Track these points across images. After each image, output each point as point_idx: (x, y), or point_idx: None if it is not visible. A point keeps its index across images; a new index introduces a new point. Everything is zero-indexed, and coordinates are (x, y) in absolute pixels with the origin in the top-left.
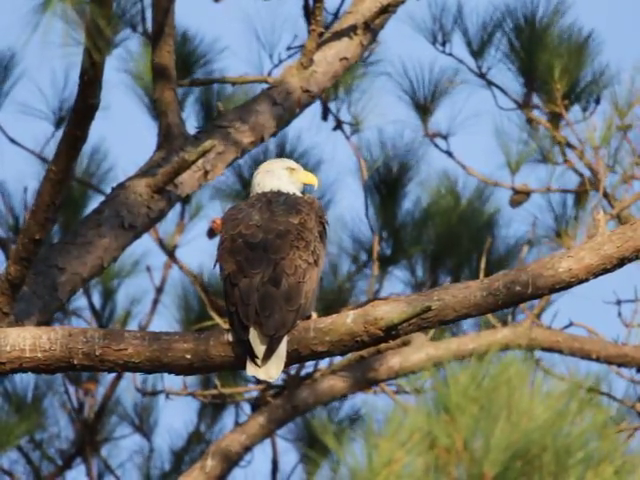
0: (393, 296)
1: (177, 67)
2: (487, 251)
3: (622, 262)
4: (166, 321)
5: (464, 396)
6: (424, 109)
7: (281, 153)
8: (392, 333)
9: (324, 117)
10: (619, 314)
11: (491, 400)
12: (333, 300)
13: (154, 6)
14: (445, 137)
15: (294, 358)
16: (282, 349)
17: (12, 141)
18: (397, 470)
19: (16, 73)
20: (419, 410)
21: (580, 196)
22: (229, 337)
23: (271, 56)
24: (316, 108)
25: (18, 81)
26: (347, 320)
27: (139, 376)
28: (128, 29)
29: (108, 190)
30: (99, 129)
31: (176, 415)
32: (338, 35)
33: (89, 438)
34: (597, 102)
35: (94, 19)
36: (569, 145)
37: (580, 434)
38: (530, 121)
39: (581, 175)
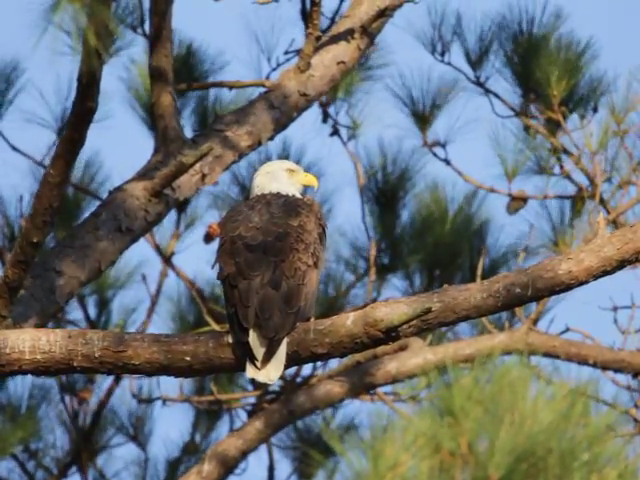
0: (393, 298)
1: (174, 71)
2: (483, 258)
3: (622, 264)
4: (161, 330)
5: (468, 399)
6: (423, 119)
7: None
8: (392, 335)
9: (324, 120)
10: (615, 321)
11: (495, 403)
12: (330, 309)
13: (152, 10)
14: (443, 145)
15: (294, 360)
16: (282, 351)
17: (14, 148)
18: (402, 473)
19: (20, 81)
20: (423, 414)
21: (576, 203)
22: (229, 339)
23: (269, 60)
24: (312, 113)
25: (21, 90)
26: (347, 322)
27: (135, 383)
28: (128, 33)
29: (103, 196)
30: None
31: (171, 424)
32: (335, 39)
33: (84, 447)
34: (595, 110)
35: (99, 18)
36: (566, 151)
37: (584, 437)
38: (527, 128)
39: (577, 185)
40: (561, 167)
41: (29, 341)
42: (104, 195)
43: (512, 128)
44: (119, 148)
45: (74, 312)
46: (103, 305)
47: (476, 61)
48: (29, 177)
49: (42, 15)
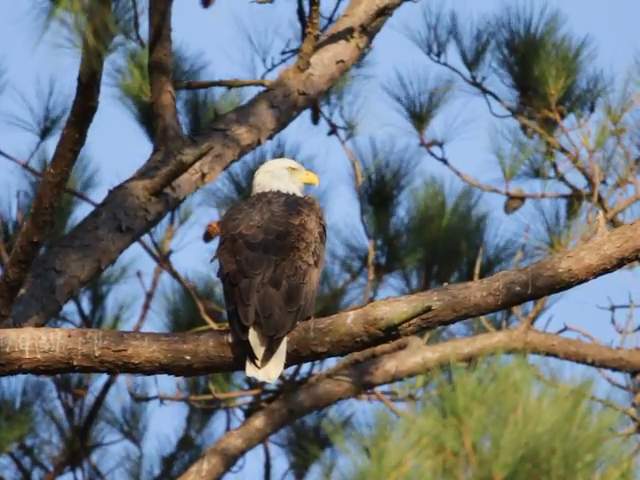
0: (393, 297)
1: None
2: (480, 256)
3: (622, 262)
4: (156, 326)
5: (472, 399)
6: (419, 118)
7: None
8: (392, 333)
9: (314, 121)
10: (612, 320)
11: (499, 403)
12: (326, 309)
13: (151, 9)
14: (440, 144)
15: (294, 359)
16: (282, 350)
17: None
18: (405, 473)
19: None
20: (427, 413)
21: (573, 203)
22: (229, 338)
23: (264, 60)
24: (307, 112)
25: (1, 91)
26: (347, 320)
27: (131, 382)
28: (121, 35)
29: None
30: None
31: (165, 420)
32: (334, 38)
33: (80, 444)
34: (591, 110)
35: (99, 17)
36: (563, 150)
37: (588, 437)
38: (524, 128)
39: (572, 187)
40: (555, 169)
41: (29, 340)
42: (96, 195)
43: (509, 129)
44: (111, 146)
45: (67, 306)
46: (97, 300)
47: (472, 61)
48: (14, 177)
49: (39, 14)
